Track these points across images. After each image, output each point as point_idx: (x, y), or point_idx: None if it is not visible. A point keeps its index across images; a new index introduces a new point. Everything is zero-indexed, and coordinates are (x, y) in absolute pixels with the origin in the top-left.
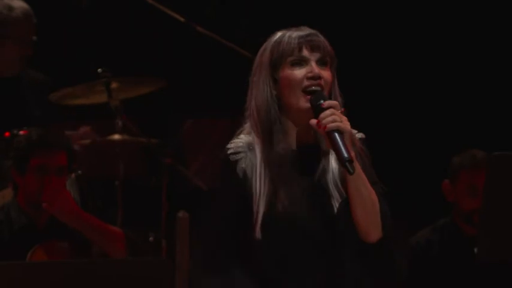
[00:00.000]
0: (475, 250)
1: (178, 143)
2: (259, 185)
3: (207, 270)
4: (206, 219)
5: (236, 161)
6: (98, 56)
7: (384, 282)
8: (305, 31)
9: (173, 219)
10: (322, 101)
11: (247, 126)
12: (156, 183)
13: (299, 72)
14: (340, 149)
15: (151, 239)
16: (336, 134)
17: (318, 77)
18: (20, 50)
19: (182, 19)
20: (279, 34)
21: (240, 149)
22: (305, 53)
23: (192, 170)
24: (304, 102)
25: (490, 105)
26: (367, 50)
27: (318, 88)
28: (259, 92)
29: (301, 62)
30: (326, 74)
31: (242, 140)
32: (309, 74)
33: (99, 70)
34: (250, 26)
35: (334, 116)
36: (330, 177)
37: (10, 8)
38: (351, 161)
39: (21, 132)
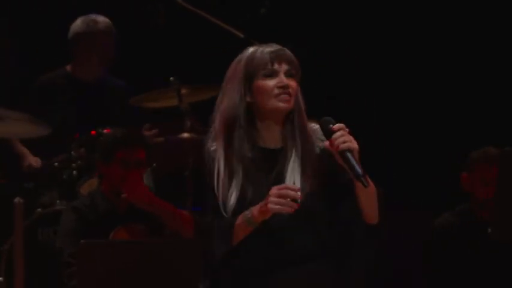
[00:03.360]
0: (489, 231)
1: None
2: (220, 179)
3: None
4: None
5: (213, 152)
6: (170, 66)
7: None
8: (274, 47)
9: None
10: (331, 125)
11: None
12: None
13: (270, 83)
14: (354, 167)
15: None
16: (348, 154)
17: (287, 87)
18: (103, 58)
19: (241, 35)
20: (251, 50)
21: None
22: (275, 66)
23: None
24: (276, 102)
25: (504, 106)
26: (387, 49)
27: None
28: (230, 98)
29: (272, 74)
30: (293, 83)
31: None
32: (279, 84)
33: (171, 78)
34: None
35: (344, 137)
36: (287, 176)
37: (95, 22)
38: (364, 175)
39: (105, 131)
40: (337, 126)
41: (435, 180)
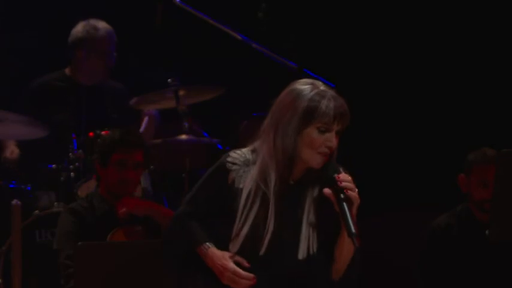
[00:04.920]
0: (486, 232)
1: (236, 140)
2: (248, 205)
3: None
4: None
5: (230, 170)
6: (168, 68)
7: None
8: (339, 103)
9: None
10: (336, 174)
11: (255, 144)
12: None
13: (321, 138)
14: (348, 222)
15: None
16: (345, 206)
17: (332, 149)
18: (103, 62)
19: (239, 38)
20: (315, 93)
21: (237, 161)
22: (333, 125)
23: None
24: (316, 164)
25: (502, 109)
26: (387, 49)
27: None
28: (289, 138)
29: (326, 130)
30: (337, 141)
31: (242, 154)
32: (328, 143)
33: (169, 80)
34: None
35: (350, 184)
36: (308, 213)
37: (95, 28)
38: (356, 235)
39: (103, 133)
40: (342, 175)
41: (435, 180)
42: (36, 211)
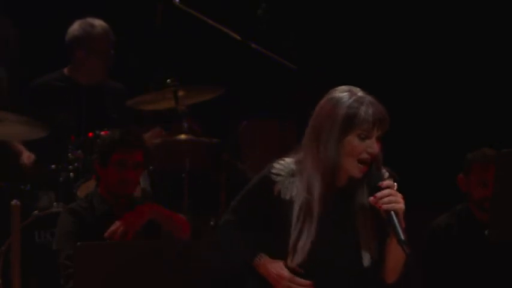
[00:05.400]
0: (486, 232)
1: (235, 141)
2: (301, 218)
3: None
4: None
5: (275, 182)
6: (167, 68)
7: None
8: (378, 109)
9: None
10: (380, 182)
11: (299, 155)
12: (216, 176)
13: (362, 145)
14: (397, 230)
15: (212, 223)
16: (393, 214)
17: (373, 155)
18: (101, 61)
19: (239, 38)
20: (354, 100)
21: (281, 173)
22: (373, 131)
23: (246, 163)
24: (357, 173)
25: (502, 109)
26: (386, 50)
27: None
28: (331, 147)
29: (367, 137)
30: (379, 147)
31: (286, 165)
32: (370, 150)
33: (168, 80)
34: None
35: (390, 197)
36: (362, 221)
37: (92, 26)
38: (405, 242)
39: (102, 133)
40: (386, 183)
41: (435, 180)
42: (36, 211)
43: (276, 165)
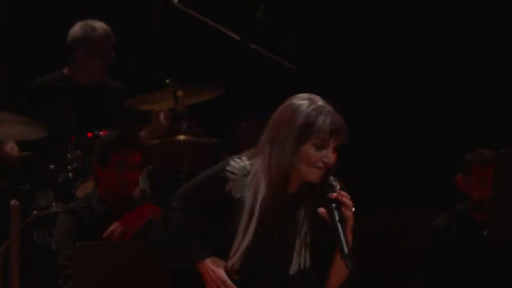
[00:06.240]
0: (485, 232)
1: (235, 141)
2: (247, 220)
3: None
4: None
5: (228, 179)
6: (166, 68)
7: None
8: (336, 119)
9: None
10: (331, 193)
11: (253, 155)
12: None
13: (318, 154)
14: (342, 243)
15: None
16: (339, 226)
17: (329, 165)
18: (101, 62)
19: (238, 38)
20: (311, 109)
21: (236, 171)
22: (330, 141)
23: None
24: (315, 178)
25: (501, 109)
26: (386, 50)
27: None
28: (285, 155)
29: (322, 146)
30: (334, 157)
31: (242, 164)
32: (325, 159)
33: (167, 80)
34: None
35: (349, 202)
36: (300, 230)
37: (93, 28)
38: (349, 256)
39: (101, 133)
40: (335, 195)
41: (435, 180)
42: (35, 211)
43: (232, 162)
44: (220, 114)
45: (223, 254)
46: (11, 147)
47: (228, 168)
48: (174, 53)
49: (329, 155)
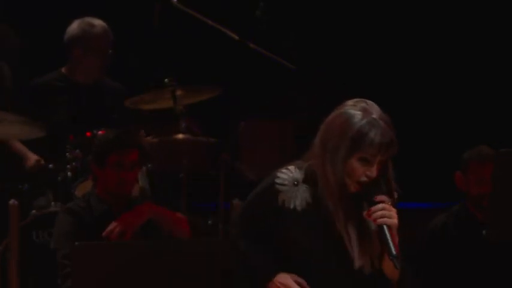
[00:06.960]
0: (483, 232)
1: (235, 141)
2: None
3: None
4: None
5: (279, 191)
6: (165, 68)
7: None
8: (387, 138)
9: (229, 206)
10: (375, 196)
11: (303, 163)
12: (215, 175)
13: (361, 169)
14: (389, 245)
15: (210, 222)
16: (385, 228)
17: (372, 178)
18: (99, 60)
19: (236, 37)
20: (365, 122)
21: (286, 182)
22: (377, 157)
23: (245, 163)
24: (351, 183)
25: (501, 109)
26: (385, 50)
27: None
28: (338, 165)
29: (369, 161)
30: (378, 169)
31: (290, 174)
32: (368, 173)
33: (166, 80)
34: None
35: (383, 212)
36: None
37: (91, 25)
38: (397, 257)
39: (99, 133)
40: (379, 198)
41: (431, 180)
42: (34, 211)
43: (280, 174)
44: (220, 114)
45: (289, 267)
46: (37, 160)
47: (277, 180)
48: (173, 52)
49: (373, 170)
